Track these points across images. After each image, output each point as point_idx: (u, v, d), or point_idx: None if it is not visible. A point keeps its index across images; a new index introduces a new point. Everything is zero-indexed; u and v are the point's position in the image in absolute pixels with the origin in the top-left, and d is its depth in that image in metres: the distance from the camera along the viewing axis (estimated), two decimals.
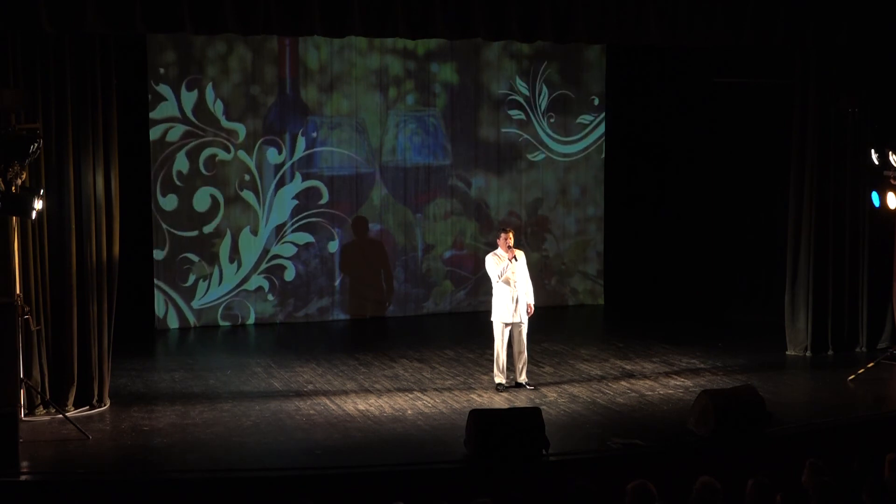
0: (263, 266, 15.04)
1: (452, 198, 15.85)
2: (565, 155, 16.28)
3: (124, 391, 11.44)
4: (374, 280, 15.59)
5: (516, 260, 11.34)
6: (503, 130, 15.89)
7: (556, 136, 16.17)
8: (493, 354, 11.52)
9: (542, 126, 16.08)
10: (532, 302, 11.51)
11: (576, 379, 11.95)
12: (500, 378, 11.43)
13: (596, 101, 16.22)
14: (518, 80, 15.86)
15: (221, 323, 14.82)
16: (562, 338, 13.89)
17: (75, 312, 10.63)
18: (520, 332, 11.39)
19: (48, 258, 10.53)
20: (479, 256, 15.71)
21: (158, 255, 14.59)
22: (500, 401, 11.08)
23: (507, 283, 11.29)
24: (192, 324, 14.74)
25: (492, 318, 11.43)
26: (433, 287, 15.82)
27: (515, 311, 11.32)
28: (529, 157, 16.07)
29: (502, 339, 11.34)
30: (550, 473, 9.15)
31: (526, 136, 15.99)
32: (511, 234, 11.41)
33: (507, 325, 11.35)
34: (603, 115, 16.30)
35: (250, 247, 14.98)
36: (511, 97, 15.86)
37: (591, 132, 16.32)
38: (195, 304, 14.77)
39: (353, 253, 15.44)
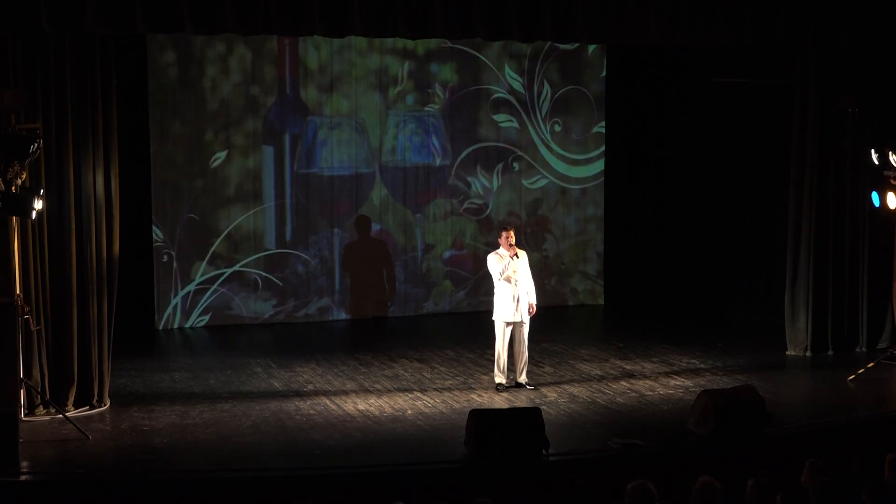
0: (264, 266, 15.03)
1: (452, 198, 15.84)
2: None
3: (124, 391, 11.43)
4: (375, 280, 15.58)
5: (518, 258, 11.34)
6: (502, 130, 15.90)
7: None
8: (493, 354, 11.51)
9: (543, 136, 16.03)
10: (534, 302, 11.50)
11: (576, 379, 11.95)
12: (500, 378, 11.42)
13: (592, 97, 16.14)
14: (514, 78, 15.84)
15: (221, 323, 14.81)
16: (562, 338, 13.88)
17: (75, 312, 10.63)
18: (521, 332, 11.39)
19: (48, 258, 10.52)
20: (479, 256, 15.71)
21: (158, 254, 14.58)
22: (500, 401, 11.08)
23: (509, 280, 11.28)
24: (191, 324, 14.74)
25: (493, 318, 11.43)
26: (433, 287, 15.81)
27: (517, 310, 11.32)
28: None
29: (503, 339, 11.34)
30: (550, 473, 9.14)
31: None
32: (512, 233, 11.41)
33: (508, 324, 11.34)
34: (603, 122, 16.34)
35: (250, 247, 14.97)
36: (498, 94, 15.81)
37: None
38: (195, 304, 14.76)
39: (356, 252, 15.43)
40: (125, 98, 12.18)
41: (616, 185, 16.42)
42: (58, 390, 10.57)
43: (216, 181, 14.76)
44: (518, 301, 11.31)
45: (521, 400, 11.06)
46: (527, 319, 11.40)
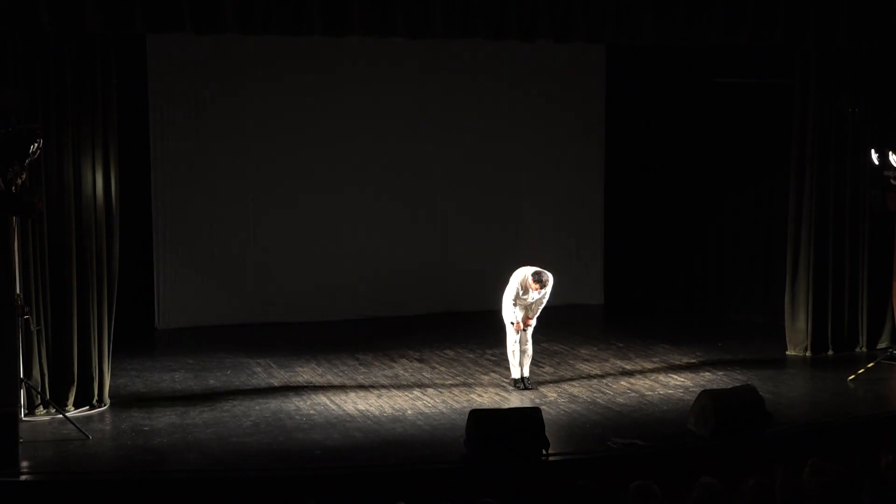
0: (264, 266, 15.01)
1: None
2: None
3: (124, 391, 11.43)
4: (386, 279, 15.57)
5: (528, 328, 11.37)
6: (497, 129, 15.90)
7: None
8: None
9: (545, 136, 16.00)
10: (534, 317, 11.42)
11: (576, 379, 11.95)
12: (517, 373, 11.42)
13: None
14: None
15: (221, 323, 14.78)
16: (562, 338, 13.87)
17: (75, 312, 10.62)
18: (526, 332, 11.39)
19: (48, 258, 10.52)
20: None
21: (158, 254, 14.57)
22: (500, 401, 11.08)
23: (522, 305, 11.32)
24: (192, 324, 14.68)
25: (505, 320, 11.39)
26: (433, 287, 15.75)
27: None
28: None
29: (515, 338, 11.36)
30: (550, 473, 9.15)
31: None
32: (541, 290, 11.20)
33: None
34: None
35: (250, 246, 14.96)
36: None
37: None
38: (195, 303, 14.72)
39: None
40: (125, 98, 12.16)
41: (616, 185, 16.41)
42: (58, 390, 10.57)
43: (216, 181, 14.72)
44: (527, 311, 11.35)
45: (522, 400, 11.06)
46: (533, 322, 11.42)
